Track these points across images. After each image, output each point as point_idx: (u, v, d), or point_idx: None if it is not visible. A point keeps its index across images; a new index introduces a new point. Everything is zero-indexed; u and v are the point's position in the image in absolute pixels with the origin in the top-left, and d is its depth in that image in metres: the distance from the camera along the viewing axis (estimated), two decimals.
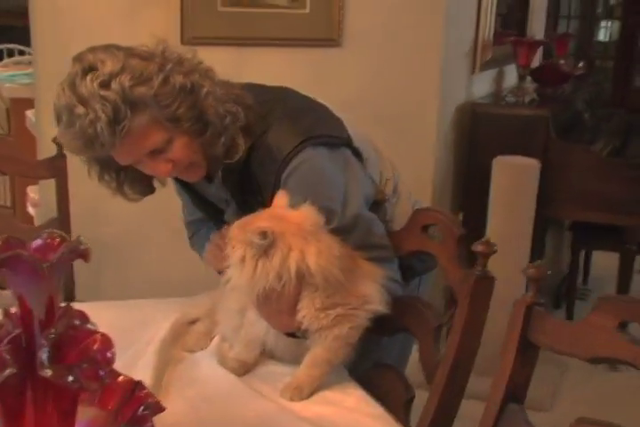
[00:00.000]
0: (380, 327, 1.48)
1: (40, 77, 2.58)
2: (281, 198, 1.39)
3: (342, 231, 1.44)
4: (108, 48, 1.41)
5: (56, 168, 2.04)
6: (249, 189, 1.53)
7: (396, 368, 1.50)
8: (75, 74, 1.38)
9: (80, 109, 1.34)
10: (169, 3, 2.53)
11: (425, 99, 2.87)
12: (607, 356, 1.03)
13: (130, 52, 1.41)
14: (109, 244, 2.72)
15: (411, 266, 1.67)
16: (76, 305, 1.98)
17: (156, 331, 1.55)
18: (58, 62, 1.42)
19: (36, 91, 2.66)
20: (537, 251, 3.15)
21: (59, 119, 1.40)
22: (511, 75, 3.82)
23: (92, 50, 1.41)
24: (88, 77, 1.35)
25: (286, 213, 1.36)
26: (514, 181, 2.90)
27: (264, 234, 1.27)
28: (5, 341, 1.02)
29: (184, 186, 1.71)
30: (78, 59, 1.40)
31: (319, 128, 1.50)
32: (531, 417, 1.32)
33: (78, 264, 2.79)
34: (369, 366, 1.54)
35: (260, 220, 1.33)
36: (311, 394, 1.37)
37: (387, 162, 1.73)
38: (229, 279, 1.35)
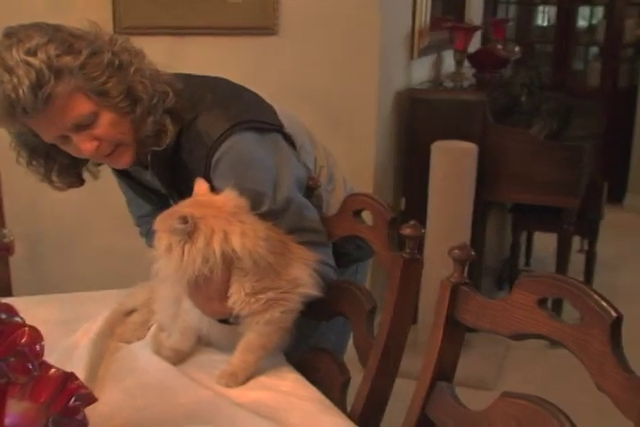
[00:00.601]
0: (315, 312, 1.50)
1: None
2: (200, 186, 1.40)
3: (273, 215, 1.45)
4: (38, 23, 1.42)
5: None
6: (181, 177, 1.53)
7: (332, 352, 1.51)
8: (1, 46, 1.37)
9: (5, 77, 1.34)
10: None
11: (364, 85, 2.89)
12: (527, 332, 1.06)
13: (59, 28, 1.42)
14: (49, 238, 2.70)
15: (347, 253, 1.69)
16: (13, 300, 1.97)
17: (93, 323, 1.55)
18: None
19: None
20: (478, 233, 3.21)
21: None
22: (450, 60, 3.86)
23: (22, 25, 1.41)
24: (14, 48, 1.35)
25: (207, 199, 1.37)
26: (452, 165, 2.94)
27: (184, 218, 1.29)
28: None
29: (124, 176, 1.71)
30: (6, 33, 1.40)
31: (249, 114, 1.51)
32: (475, 396, 1.35)
33: (20, 260, 2.77)
34: (306, 350, 1.55)
35: (182, 207, 1.34)
36: (247, 380, 1.38)
37: (321, 149, 1.75)
38: (159, 270, 1.35)
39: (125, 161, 1.52)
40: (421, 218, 3.04)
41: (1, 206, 2.03)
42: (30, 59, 1.34)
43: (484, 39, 4.69)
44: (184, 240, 1.30)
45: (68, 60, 1.37)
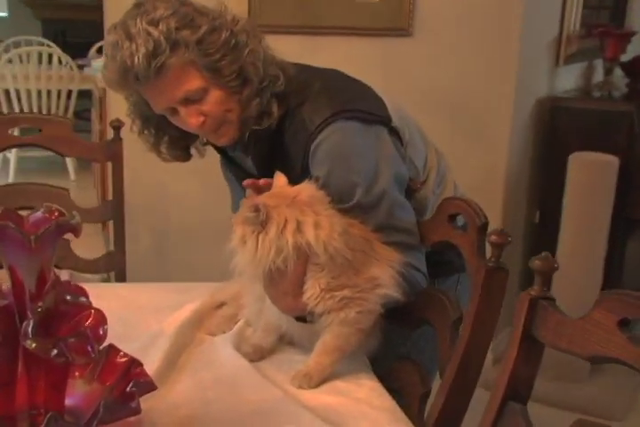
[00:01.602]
0: (401, 318, 1.44)
1: None
2: (279, 179, 1.38)
3: (365, 208, 1.41)
4: None
5: (112, 152, 2.08)
6: (280, 161, 1.52)
7: (417, 362, 1.44)
8: (128, 15, 1.43)
9: (125, 44, 1.39)
10: None
11: (500, 91, 2.78)
12: (605, 355, 0.95)
13: (185, 2, 1.46)
14: (173, 229, 2.76)
15: (449, 260, 1.61)
16: (122, 285, 2.03)
17: (182, 312, 1.56)
18: None
19: None
20: (617, 252, 3.02)
21: (105, 55, 1.45)
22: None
23: None
24: (139, 17, 1.41)
25: (283, 190, 1.34)
26: (590, 178, 2.78)
27: (256, 207, 1.26)
28: None
29: (229, 161, 1.72)
30: (137, 3, 1.46)
31: (354, 104, 1.48)
32: None
33: (147, 251, 2.85)
34: (393, 359, 1.49)
35: (257, 198, 1.32)
36: (321, 382, 1.34)
37: (432, 150, 1.68)
38: (236, 264, 1.34)
39: (227, 138, 1.53)
40: (556, 232, 2.89)
41: (121, 193, 2.09)
42: (151, 28, 1.38)
43: None
44: (257, 230, 1.28)
45: (186, 33, 1.40)
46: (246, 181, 1.44)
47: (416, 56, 2.72)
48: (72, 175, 5.68)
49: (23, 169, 5.58)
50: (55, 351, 1.02)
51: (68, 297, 1.09)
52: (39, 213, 1.10)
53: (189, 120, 1.47)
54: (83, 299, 1.11)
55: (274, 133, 1.51)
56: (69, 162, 5.67)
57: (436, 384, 1.39)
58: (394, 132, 1.53)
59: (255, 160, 1.57)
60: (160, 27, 1.39)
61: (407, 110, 1.64)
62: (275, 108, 1.49)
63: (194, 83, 1.43)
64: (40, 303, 1.04)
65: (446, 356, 1.31)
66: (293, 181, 1.44)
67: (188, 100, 1.45)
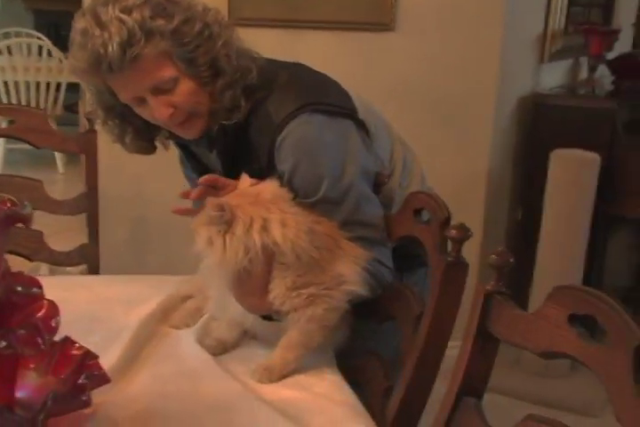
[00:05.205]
0: (369, 313, 1.43)
1: None
2: (243, 180, 1.36)
3: (331, 202, 1.40)
4: None
5: (86, 143, 2.07)
6: (245, 155, 1.50)
7: (382, 357, 1.43)
8: (98, 1, 1.39)
9: (96, 31, 1.35)
10: None
11: (482, 87, 2.77)
12: (556, 350, 0.95)
13: None
14: (149, 221, 2.75)
15: (417, 255, 1.60)
16: (92, 278, 2.01)
17: (148, 306, 1.55)
18: None
19: None
20: (598, 249, 3.01)
21: (72, 43, 1.41)
22: None
23: None
24: (110, 5, 1.37)
25: (245, 190, 1.33)
26: (571, 175, 2.77)
27: (219, 206, 1.24)
28: None
29: (192, 158, 1.70)
30: None
31: (321, 97, 1.47)
32: (579, 423, 1.21)
33: (121, 243, 2.82)
34: (361, 353, 1.49)
35: (219, 198, 1.31)
36: (283, 377, 1.33)
37: (398, 143, 1.66)
38: (206, 267, 1.32)
39: (195, 132, 1.51)
40: (538, 229, 2.89)
41: (95, 185, 2.08)
42: (124, 16, 1.35)
43: (636, 45, 4.42)
44: (223, 230, 1.26)
45: (161, 23, 1.38)
46: (204, 178, 1.42)
47: (397, 51, 2.71)
48: (60, 168, 5.66)
49: (11, 162, 5.56)
50: (4, 343, 1.01)
51: (20, 288, 1.07)
52: None
53: (158, 111, 1.44)
54: (35, 290, 1.09)
55: (239, 129, 1.49)
56: (58, 155, 5.66)
57: None
58: (361, 125, 1.51)
59: (221, 155, 1.56)
60: (134, 15, 1.35)
61: (373, 103, 1.63)
62: (243, 102, 1.47)
63: (167, 71, 1.40)
64: None
65: (408, 350, 1.31)
66: (259, 175, 1.42)
67: (158, 90, 1.42)
